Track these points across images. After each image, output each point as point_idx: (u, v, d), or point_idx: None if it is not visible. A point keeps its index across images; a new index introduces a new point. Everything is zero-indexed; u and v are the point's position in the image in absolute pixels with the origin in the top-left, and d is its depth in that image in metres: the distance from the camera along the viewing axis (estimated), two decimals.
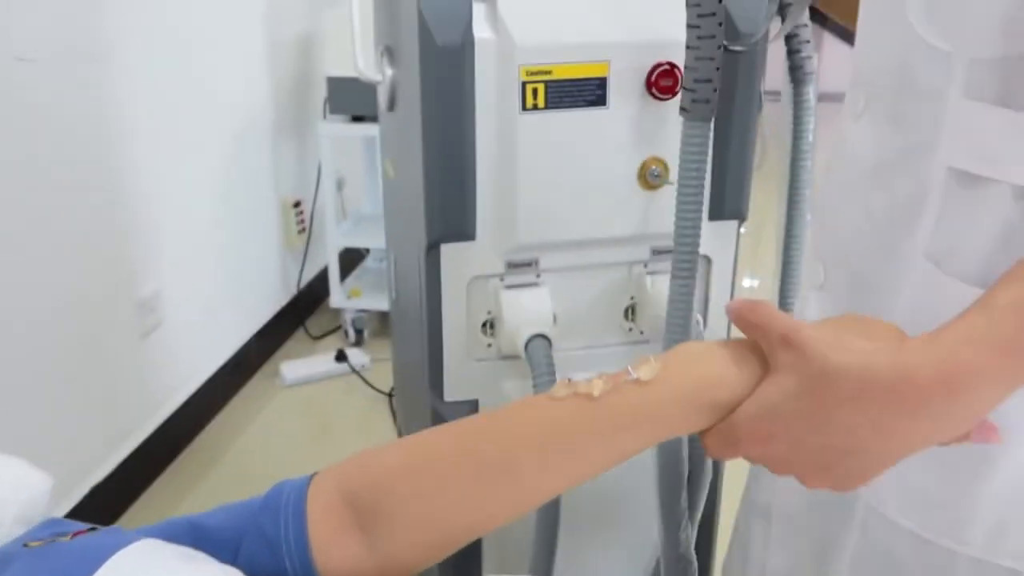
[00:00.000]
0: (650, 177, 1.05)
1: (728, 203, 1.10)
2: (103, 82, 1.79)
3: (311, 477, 0.53)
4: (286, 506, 0.51)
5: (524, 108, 1.00)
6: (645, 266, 1.13)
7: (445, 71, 0.97)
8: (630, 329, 1.15)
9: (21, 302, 1.59)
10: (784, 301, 1.12)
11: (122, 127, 1.85)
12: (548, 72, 0.99)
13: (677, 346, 0.49)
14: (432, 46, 0.96)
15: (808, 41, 1.05)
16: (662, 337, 1.07)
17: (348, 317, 2.68)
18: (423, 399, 1.17)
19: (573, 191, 1.05)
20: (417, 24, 0.96)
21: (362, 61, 1.17)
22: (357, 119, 2.52)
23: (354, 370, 2.50)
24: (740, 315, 0.50)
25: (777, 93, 1.11)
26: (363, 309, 2.69)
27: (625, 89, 1.01)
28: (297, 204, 2.68)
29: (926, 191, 0.60)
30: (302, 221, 2.72)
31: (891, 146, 0.63)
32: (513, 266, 1.08)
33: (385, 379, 2.41)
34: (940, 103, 0.59)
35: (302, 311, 2.80)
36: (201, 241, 2.23)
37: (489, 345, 1.11)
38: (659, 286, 1.12)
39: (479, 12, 0.99)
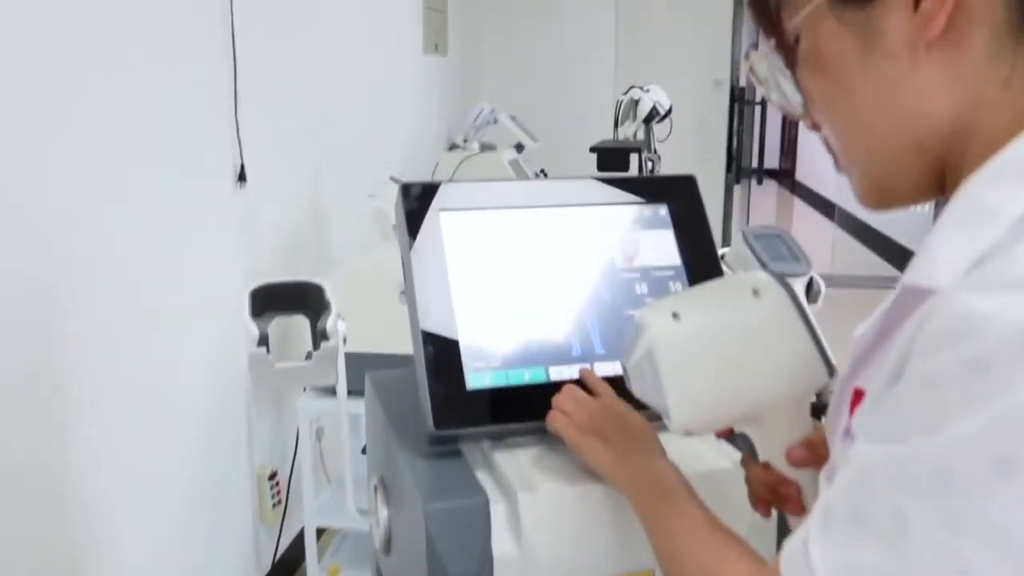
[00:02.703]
0: None
1: None
2: (63, 356, 1.61)
3: None
4: None
5: None
6: None
7: None
8: None
9: None
10: None
11: (80, 402, 1.67)
12: None
13: None
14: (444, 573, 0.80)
15: None
16: None
17: None
18: None
19: None
20: (425, 545, 0.81)
21: (351, 500, 1.01)
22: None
23: None
24: None
25: None
26: None
27: None
28: (273, 476, 2.49)
29: None
30: (278, 493, 2.52)
31: None
32: None
33: None
34: None
35: None
36: (168, 525, 2.01)
37: None
38: None
39: (497, 515, 0.83)
